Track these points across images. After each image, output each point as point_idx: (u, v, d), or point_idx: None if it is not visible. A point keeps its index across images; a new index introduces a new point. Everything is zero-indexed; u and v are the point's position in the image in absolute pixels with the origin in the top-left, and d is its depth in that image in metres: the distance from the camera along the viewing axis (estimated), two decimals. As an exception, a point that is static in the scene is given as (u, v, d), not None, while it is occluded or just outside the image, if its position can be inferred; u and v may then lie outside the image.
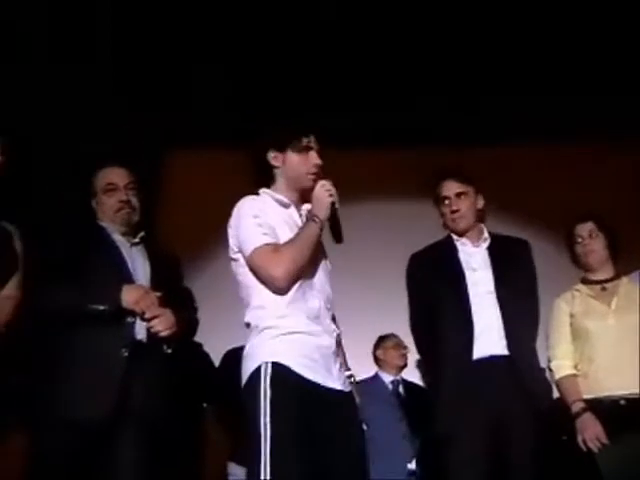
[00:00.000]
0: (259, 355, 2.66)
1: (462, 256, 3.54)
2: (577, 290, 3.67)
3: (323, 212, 2.78)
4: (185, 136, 5.96)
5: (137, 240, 3.39)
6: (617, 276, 3.67)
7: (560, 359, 3.59)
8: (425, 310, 3.55)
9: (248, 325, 2.77)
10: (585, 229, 3.68)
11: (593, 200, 5.14)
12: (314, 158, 2.86)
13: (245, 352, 2.74)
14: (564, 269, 3.87)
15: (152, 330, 3.17)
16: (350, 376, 2.85)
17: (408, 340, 4.19)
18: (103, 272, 3.21)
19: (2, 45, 4.65)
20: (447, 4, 5.15)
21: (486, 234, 3.60)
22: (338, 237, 2.82)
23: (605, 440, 3.36)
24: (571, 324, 3.60)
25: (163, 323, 3.18)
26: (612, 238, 3.68)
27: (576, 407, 3.47)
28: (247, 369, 2.68)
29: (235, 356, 4.60)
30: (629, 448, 3.33)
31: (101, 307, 3.12)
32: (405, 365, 5.25)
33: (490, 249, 3.55)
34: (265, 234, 2.72)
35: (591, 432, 3.39)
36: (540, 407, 3.39)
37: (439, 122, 5.73)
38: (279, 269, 2.67)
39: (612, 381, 3.42)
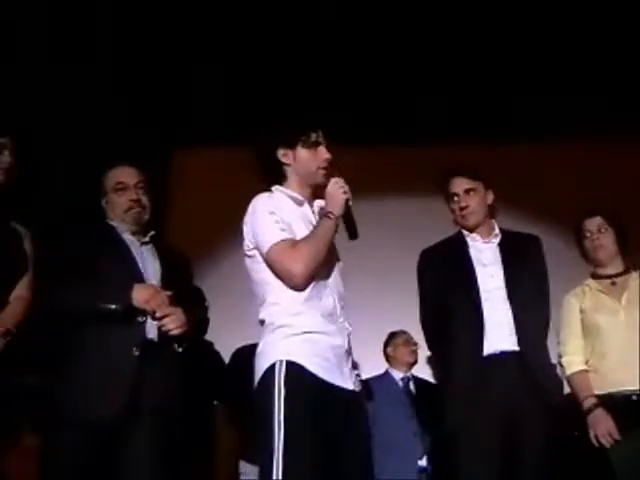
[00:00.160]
0: (273, 353, 2.66)
1: (473, 252, 3.54)
2: (587, 285, 3.67)
3: (338, 209, 2.79)
4: (193, 134, 5.97)
5: (147, 239, 3.39)
6: (627, 270, 3.66)
7: (571, 355, 3.59)
8: (435, 306, 3.54)
9: (262, 322, 2.77)
10: (594, 224, 3.67)
11: (603, 196, 5.13)
12: (324, 153, 2.86)
13: (259, 350, 2.74)
14: (574, 264, 3.87)
15: (163, 329, 3.17)
16: (358, 375, 2.85)
17: (419, 337, 4.18)
18: (114, 271, 3.21)
19: (2, 45, 4.66)
20: (447, 3, 5.14)
21: (497, 230, 3.59)
22: (353, 234, 2.84)
23: (617, 436, 3.36)
24: (581, 320, 3.60)
25: (174, 322, 3.18)
26: (621, 232, 3.67)
27: (588, 403, 3.46)
28: (261, 367, 2.68)
29: (244, 354, 4.66)
30: (641, 443, 3.33)
31: (112, 306, 3.12)
32: (415, 362, 5.25)
33: (501, 245, 3.54)
34: (282, 230, 2.72)
35: (603, 428, 3.38)
36: (551, 403, 3.37)
37: (452, 119, 5.72)
38: (297, 265, 2.67)
39: (623, 376, 3.42)
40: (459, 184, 3.57)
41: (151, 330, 3.18)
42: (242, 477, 4.87)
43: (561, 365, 3.62)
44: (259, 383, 2.68)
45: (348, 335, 2.83)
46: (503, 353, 3.38)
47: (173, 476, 3.24)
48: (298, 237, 2.74)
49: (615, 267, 3.66)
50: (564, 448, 3.39)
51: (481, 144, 5.57)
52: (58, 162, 5.18)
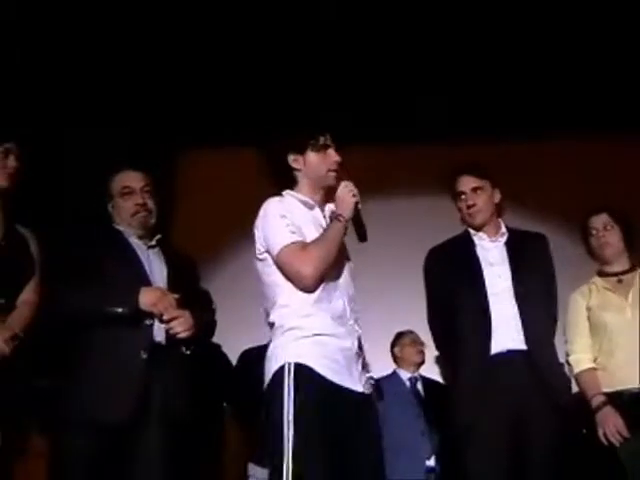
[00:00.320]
0: (283, 355, 2.67)
1: (479, 251, 3.53)
2: (593, 283, 3.66)
3: (347, 212, 2.81)
4: (199, 137, 5.98)
5: (154, 243, 3.39)
6: (633, 268, 3.65)
7: (578, 353, 3.58)
8: (443, 305, 3.54)
9: (272, 325, 2.78)
10: (599, 221, 3.66)
11: (609, 193, 5.13)
12: (333, 155, 2.88)
13: (269, 352, 2.75)
14: (581, 262, 3.86)
15: (171, 332, 3.18)
16: (370, 378, 2.84)
17: (427, 337, 4.18)
18: (120, 275, 3.21)
19: (5, 50, 4.67)
20: (447, 3, 5.13)
21: (504, 229, 3.58)
22: (362, 236, 2.86)
23: (626, 433, 3.35)
24: (588, 318, 3.59)
25: (182, 325, 3.18)
26: (627, 230, 3.66)
27: (596, 401, 3.46)
28: (270, 369, 2.69)
29: (252, 355, 4.67)
30: (651, 441, 3.32)
31: (119, 310, 3.13)
32: (423, 362, 5.25)
33: (508, 244, 3.53)
34: (293, 232, 2.74)
35: (612, 425, 3.38)
36: (559, 401, 3.36)
37: (462, 116, 5.73)
38: (308, 267, 2.69)
39: (632, 374, 3.41)
40: (466, 183, 3.56)
41: (159, 333, 3.19)
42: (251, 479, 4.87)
43: (569, 363, 3.61)
44: (269, 385, 2.69)
45: (358, 337, 2.84)
46: (510, 352, 3.38)
47: (182, 478, 3.25)
48: (309, 240, 2.75)
49: (621, 264, 3.65)
50: (572, 446, 3.38)
51: (483, 141, 5.57)
52: (64, 166, 5.20)
